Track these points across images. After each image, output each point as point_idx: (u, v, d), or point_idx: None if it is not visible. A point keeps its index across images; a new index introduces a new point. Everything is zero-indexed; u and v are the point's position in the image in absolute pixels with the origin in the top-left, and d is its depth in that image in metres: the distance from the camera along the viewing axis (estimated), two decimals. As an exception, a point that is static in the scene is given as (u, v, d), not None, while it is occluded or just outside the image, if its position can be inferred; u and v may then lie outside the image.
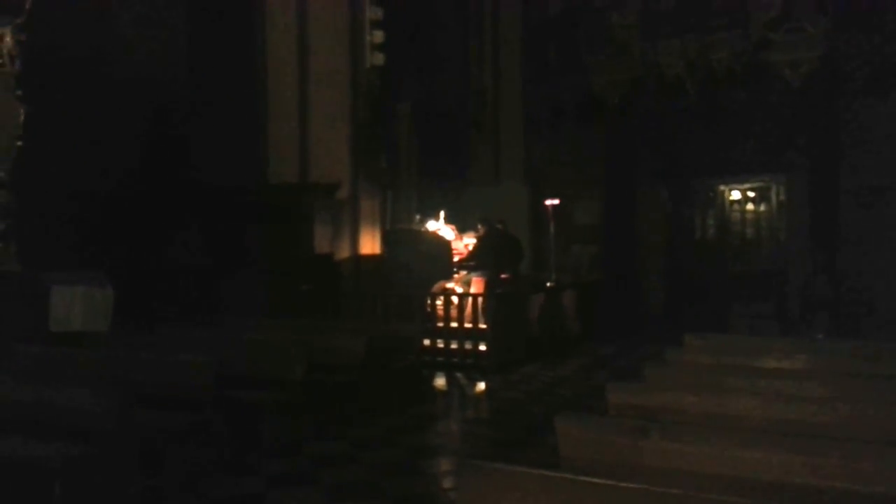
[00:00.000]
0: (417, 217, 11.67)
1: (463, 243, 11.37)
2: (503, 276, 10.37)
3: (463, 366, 9.02)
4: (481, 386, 8.28)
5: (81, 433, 4.68)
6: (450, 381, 8.58)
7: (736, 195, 13.60)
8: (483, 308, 9.34)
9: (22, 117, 7.28)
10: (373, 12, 11.18)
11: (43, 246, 7.83)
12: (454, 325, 9.26)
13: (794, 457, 2.93)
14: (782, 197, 13.23)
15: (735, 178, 13.49)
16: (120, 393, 4.70)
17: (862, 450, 2.95)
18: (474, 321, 9.27)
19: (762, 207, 13.49)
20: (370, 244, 11.07)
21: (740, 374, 4.54)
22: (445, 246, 10.84)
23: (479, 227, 10.77)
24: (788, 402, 3.92)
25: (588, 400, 7.52)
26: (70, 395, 4.86)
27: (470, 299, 9.52)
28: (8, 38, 7.26)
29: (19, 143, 7.30)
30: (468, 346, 9.14)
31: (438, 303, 9.70)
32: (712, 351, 5.46)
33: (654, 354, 6.28)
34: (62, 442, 4.62)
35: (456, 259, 10.93)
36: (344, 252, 10.73)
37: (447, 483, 5.05)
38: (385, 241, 10.96)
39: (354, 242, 10.86)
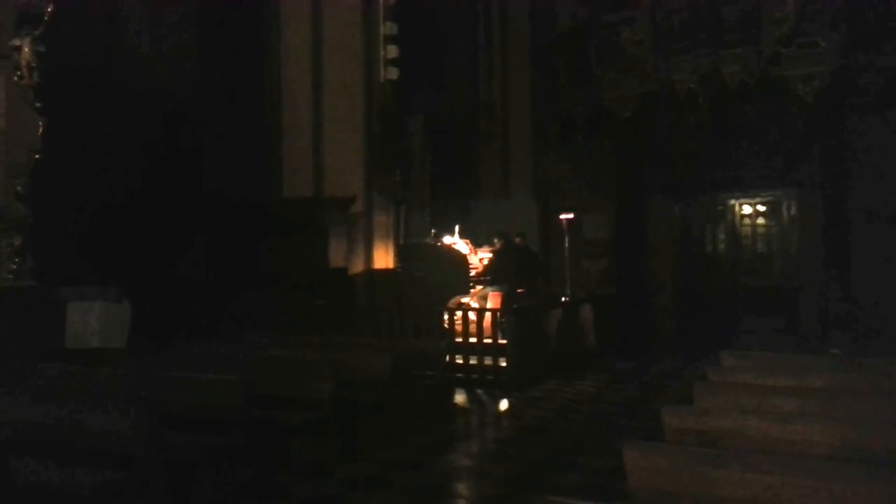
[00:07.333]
0: (433, 231, 11.56)
1: (478, 257, 11.27)
2: (519, 290, 10.27)
3: (483, 382, 8.90)
4: (504, 404, 8.15)
5: (109, 457, 4.51)
6: (471, 397, 8.45)
7: (747, 210, 13.58)
8: (501, 323, 9.26)
9: (40, 130, 7.13)
10: (388, 28, 11.13)
11: (58, 261, 7.67)
12: (472, 340, 9.13)
13: (886, 488, 2.81)
14: (794, 212, 13.22)
15: (746, 193, 13.48)
16: (150, 414, 4.53)
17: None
18: (493, 336, 9.17)
19: (773, 222, 13.47)
20: (384, 258, 10.97)
21: (795, 395, 4.42)
22: (461, 260, 10.74)
23: (496, 240, 10.68)
24: (854, 424, 3.81)
25: (616, 419, 7.42)
26: (97, 417, 4.67)
27: (488, 314, 9.42)
28: (27, 50, 7.12)
29: (37, 157, 7.15)
30: (488, 361, 9.02)
31: (456, 318, 9.58)
32: (755, 370, 5.34)
33: (692, 373, 6.20)
34: (89, 466, 4.45)
35: (472, 273, 10.82)
36: (358, 266, 10.62)
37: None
38: (400, 255, 10.85)
39: (368, 257, 10.76)
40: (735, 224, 13.68)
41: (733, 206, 13.61)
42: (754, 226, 13.54)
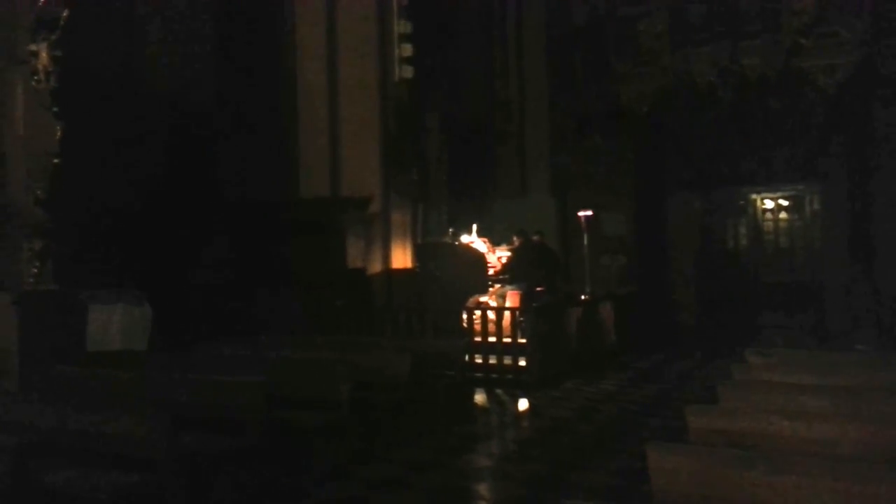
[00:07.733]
0: (450, 230, 11.49)
1: (496, 256, 11.20)
2: (538, 288, 10.18)
3: (503, 381, 8.83)
4: (524, 403, 8.08)
5: (127, 460, 4.50)
6: (491, 397, 8.38)
7: (769, 204, 13.39)
8: (520, 322, 9.18)
9: (58, 134, 7.17)
10: (402, 26, 11.07)
11: (78, 264, 7.72)
12: (492, 339, 9.06)
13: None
14: (817, 206, 13.01)
15: (768, 187, 13.29)
16: (169, 418, 4.51)
17: None
18: (512, 335, 9.09)
19: (796, 217, 13.27)
20: (402, 258, 10.91)
21: (822, 394, 4.31)
22: (480, 259, 10.68)
23: (515, 238, 10.60)
24: (882, 424, 3.70)
25: (638, 418, 7.32)
26: (116, 421, 4.66)
27: (507, 313, 9.34)
28: (44, 55, 7.16)
29: (56, 161, 7.19)
30: (507, 361, 8.95)
31: (475, 317, 9.51)
32: (781, 368, 5.23)
33: (714, 372, 6.09)
34: (108, 469, 4.45)
35: (490, 272, 10.75)
36: (376, 266, 10.58)
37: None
38: (418, 254, 10.79)
39: (386, 257, 10.70)
40: (757, 219, 13.50)
41: (755, 200, 13.43)
42: (777, 220, 13.35)
